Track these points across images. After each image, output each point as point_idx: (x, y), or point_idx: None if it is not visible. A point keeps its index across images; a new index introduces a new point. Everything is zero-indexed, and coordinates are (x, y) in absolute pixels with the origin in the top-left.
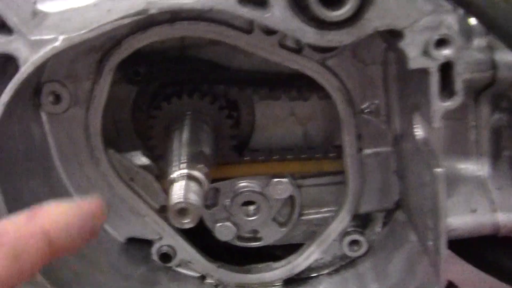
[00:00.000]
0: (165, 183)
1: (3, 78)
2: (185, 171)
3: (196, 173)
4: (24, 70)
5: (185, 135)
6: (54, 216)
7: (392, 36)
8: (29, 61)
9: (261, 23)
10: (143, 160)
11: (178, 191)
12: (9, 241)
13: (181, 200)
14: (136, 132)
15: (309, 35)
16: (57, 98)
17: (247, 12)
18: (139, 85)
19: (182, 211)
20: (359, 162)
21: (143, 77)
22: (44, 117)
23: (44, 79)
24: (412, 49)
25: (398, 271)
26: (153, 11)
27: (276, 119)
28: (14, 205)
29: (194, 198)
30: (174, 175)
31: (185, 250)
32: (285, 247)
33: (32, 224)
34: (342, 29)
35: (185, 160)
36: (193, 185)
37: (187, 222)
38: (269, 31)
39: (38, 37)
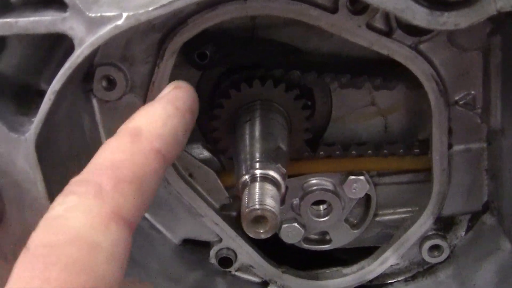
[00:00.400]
0: (228, 179)
1: (51, 62)
2: (260, 171)
3: (273, 174)
4: (80, 53)
5: (258, 128)
6: (161, 130)
7: None
8: (86, 42)
9: (362, 1)
10: (204, 153)
11: (253, 196)
12: (130, 174)
13: (256, 207)
14: (197, 122)
15: (420, 16)
16: (111, 83)
17: None
18: (204, 69)
19: (258, 219)
20: (447, 159)
21: (209, 60)
22: (95, 104)
23: (96, 62)
24: None
25: (488, 283)
26: None
27: (355, 110)
28: None
29: (271, 204)
30: (247, 176)
31: (247, 254)
32: (353, 250)
33: (143, 147)
34: (460, 9)
35: (260, 159)
36: (270, 189)
37: (263, 232)
38: (357, 11)
39: (97, 14)
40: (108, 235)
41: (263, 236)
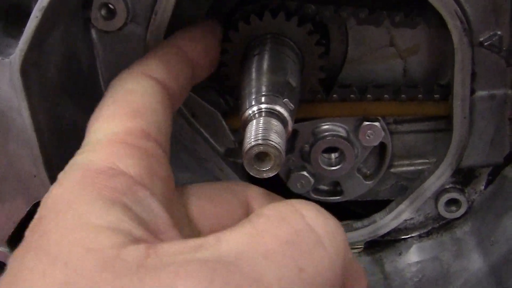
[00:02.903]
0: (234, 122)
1: None
2: (266, 105)
3: (279, 109)
4: None
5: (267, 61)
6: (195, 44)
7: None
8: None
9: None
10: (209, 92)
11: (257, 131)
12: (159, 54)
13: (259, 142)
14: None
15: None
16: (111, 12)
17: None
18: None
19: (261, 156)
20: (469, 106)
21: None
22: (94, 35)
23: None
24: None
25: (508, 240)
26: None
27: (373, 50)
28: (49, 127)
29: (276, 139)
30: (251, 110)
31: None
32: (366, 203)
33: (177, 50)
34: None
35: (267, 92)
36: (276, 124)
37: (266, 170)
38: None
39: None
40: (137, 83)
41: (265, 175)
